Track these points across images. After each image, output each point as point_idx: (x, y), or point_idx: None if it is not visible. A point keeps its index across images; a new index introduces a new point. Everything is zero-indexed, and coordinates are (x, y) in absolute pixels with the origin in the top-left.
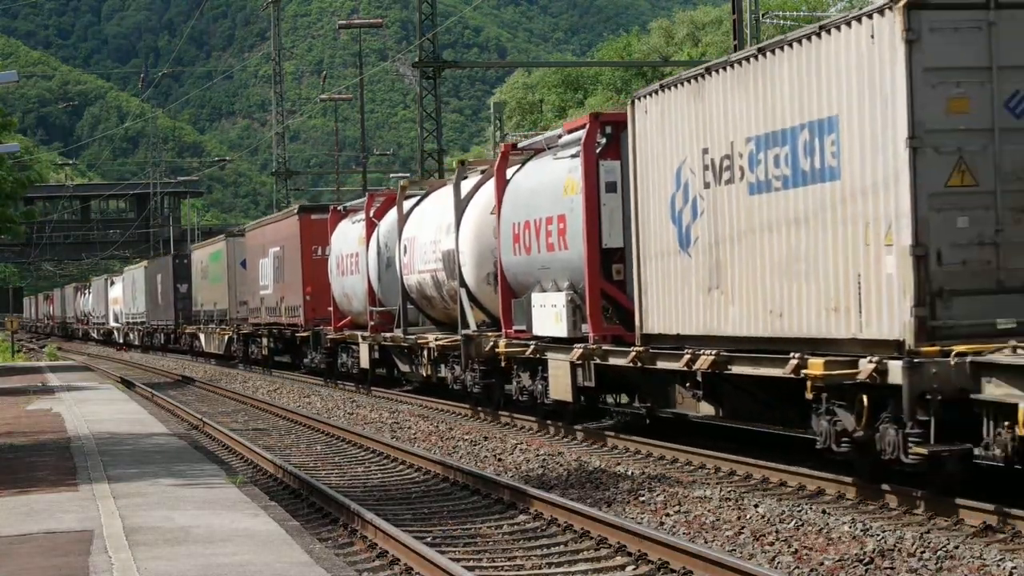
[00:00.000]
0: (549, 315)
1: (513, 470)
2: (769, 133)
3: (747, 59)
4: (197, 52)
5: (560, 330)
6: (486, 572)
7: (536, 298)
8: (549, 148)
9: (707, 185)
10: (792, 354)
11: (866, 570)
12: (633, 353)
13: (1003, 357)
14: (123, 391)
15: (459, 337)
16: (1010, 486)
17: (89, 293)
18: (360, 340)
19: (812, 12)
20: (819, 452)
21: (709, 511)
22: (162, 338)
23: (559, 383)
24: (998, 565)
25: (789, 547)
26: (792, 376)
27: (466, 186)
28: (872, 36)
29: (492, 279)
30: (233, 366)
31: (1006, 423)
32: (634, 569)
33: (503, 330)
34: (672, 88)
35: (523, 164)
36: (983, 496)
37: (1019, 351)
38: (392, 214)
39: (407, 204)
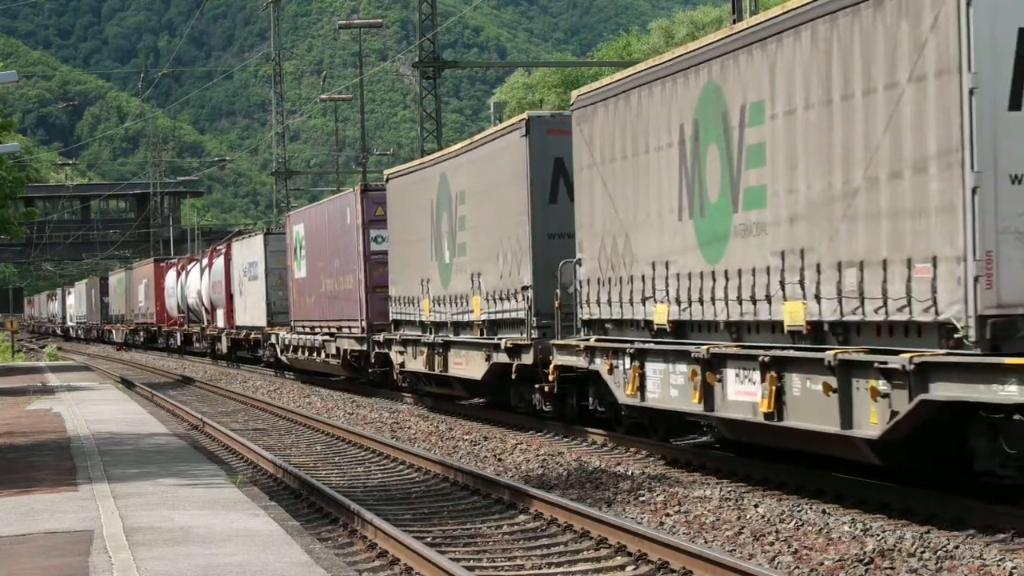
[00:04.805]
0: (221, 318)
1: (513, 470)
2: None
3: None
4: (197, 52)
5: (224, 325)
6: (486, 572)
7: (218, 311)
8: (224, 253)
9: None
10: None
11: (866, 570)
12: (234, 332)
13: (278, 330)
14: (123, 391)
15: (199, 329)
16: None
17: (56, 300)
18: (176, 331)
19: None
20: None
21: (709, 511)
22: (94, 333)
23: (225, 345)
24: (998, 565)
25: (789, 547)
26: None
27: (206, 260)
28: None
29: (211, 302)
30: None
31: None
32: (634, 569)
33: (214, 324)
34: (247, 237)
35: (221, 255)
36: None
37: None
38: (187, 268)
39: (189, 265)
